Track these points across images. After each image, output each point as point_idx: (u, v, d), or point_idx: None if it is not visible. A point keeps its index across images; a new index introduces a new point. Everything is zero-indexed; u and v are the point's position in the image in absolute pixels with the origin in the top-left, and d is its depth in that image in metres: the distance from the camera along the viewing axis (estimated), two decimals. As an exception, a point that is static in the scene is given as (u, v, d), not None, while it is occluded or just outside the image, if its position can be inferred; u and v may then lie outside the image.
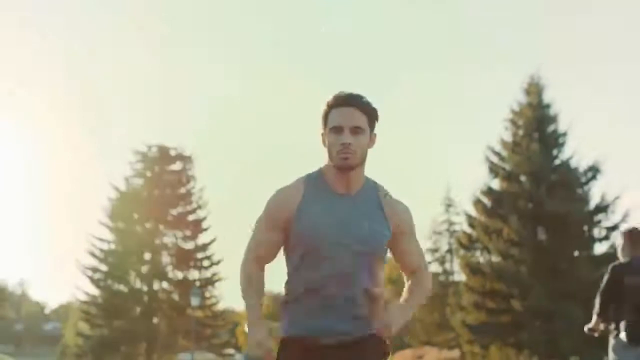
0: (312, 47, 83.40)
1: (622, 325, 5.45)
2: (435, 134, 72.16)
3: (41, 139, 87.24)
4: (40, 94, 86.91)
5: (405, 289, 2.80)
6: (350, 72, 70.95)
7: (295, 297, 2.68)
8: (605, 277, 5.58)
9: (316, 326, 2.62)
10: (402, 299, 2.76)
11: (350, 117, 2.61)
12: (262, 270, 2.77)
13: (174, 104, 77.62)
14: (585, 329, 5.76)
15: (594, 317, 5.60)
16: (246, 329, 2.66)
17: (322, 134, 2.70)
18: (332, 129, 2.63)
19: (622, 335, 5.45)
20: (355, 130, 2.61)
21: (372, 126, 2.68)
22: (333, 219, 2.61)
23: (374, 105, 2.70)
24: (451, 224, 37.18)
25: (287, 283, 2.72)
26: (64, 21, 76.08)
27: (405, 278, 2.83)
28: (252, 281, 2.72)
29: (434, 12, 78.35)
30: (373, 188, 2.72)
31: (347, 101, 2.64)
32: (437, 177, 71.78)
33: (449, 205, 37.26)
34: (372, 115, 2.67)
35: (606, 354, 5.79)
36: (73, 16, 79.43)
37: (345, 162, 2.60)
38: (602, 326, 5.61)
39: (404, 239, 2.74)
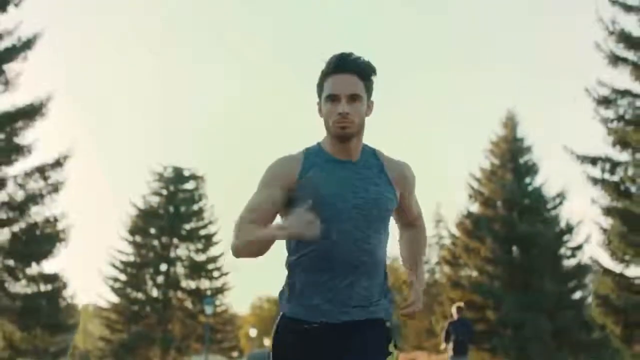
0: (312, 49, 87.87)
1: (451, 345, 11.91)
2: (429, 153, 77.43)
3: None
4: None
5: (404, 239, 2.96)
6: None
7: (302, 263, 2.65)
8: (445, 328, 12.19)
9: (321, 298, 2.60)
10: (413, 263, 2.89)
11: (347, 85, 2.59)
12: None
13: (176, 117, 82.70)
14: (442, 346, 11.66)
15: (443, 343, 11.88)
16: (273, 232, 2.43)
17: (318, 103, 2.68)
18: (327, 98, 2.61)
19: (451, 352, 11.94)
20: (352, 98, 2.59)
21: (369, 90, 2.67)
22: (338, 182, 2.62)
23: (371, 63, 2.66)
24: (440, 237, 42.72)
25: (292, 255, 2.69)
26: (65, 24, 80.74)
27: (399, 227, 2.96)
28: (250, 228, 2.55)
29: (434, 15, 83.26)
30: (372, 154, 2.74)
31: (343, 67, 2.61)
32: (429, 194, 76.37)
33: (439, 221, 42.88)
34: (369, 79, 2.65)
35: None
36: (73, 18, 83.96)
37: (343, 131, 2.59)
38: (447, 347, 11.97)
39: (407, 196, 2.80)
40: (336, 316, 2.61)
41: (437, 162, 78.12)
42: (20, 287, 21.93)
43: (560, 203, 32.51)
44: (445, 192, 77.70)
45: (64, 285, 22.46)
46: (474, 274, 32.95)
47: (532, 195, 32.55)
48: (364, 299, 2.63)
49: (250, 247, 2.53)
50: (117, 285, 37.70)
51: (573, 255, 32.32)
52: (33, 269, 21.86)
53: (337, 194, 2.60)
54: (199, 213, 39.27)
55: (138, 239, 38.29)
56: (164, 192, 39.11)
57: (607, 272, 20.84)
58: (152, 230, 38.40)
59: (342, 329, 2.60)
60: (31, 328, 21.40)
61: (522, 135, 33.22)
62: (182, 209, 38.87)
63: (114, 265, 37.67)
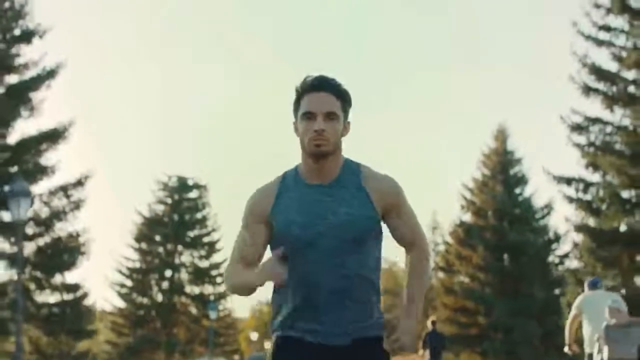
0: (311, 48, 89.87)
1: (428, 352, 14.63)
2: (427, 159, 79.47)
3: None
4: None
5: (406, 268, 2.81)
6: (351, 72, 76.89)
7: (284, 292, 2.71)
8: (423, 338, 14.84)
9: (308, 326, 2.67)
10: (406, 298, 2.81)
11: (324, 103, 2.63)
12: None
13: (176, 119, 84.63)
14: (420, 352, 14.32)
15: (421, 349, 14.21)
16: (253, 279, 2.59)
17: (294, 123, 2.72)
18: (304, 116, 2.64)
19: (428, 356, 14.70)
20: (329, 116, 2.63)
21: (346, 111, 2.71)
22: (305, 210, 2.65)
23: (347, 89, 2.71)
24: (436, 244, 45.29)
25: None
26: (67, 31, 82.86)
27: (404, 251, 2.82)
28: (237, 271, 2.72)
29: (434, 16, 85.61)
30: (354, 170, 2.72)
31: (320, 86, 2.65)
32: (426, 200, 77.59)
33: (434, 227, 45.56)
34: (345, 99, 2.69)
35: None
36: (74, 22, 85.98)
37: (319, 149, 2.62)
38: (425, 353, 14.51)
39: (392, 213, 2.72)
40: (326, 339, 2.67)
41: (435, 168, 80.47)
42: (45, 296, 24.89)
43: (548, 213, 35.18)
44: (442, 199, 79.97)
45: (85, 294, 25.39)
46: (466, 280, 35.58)
47: (521, 205, 35.16)
48: (348, 323, 2.66)
49: (240, 290, 2.73)
50: (124, 290, 40.08)
51: (561, 263, 34.91)
52: (57, 280, 24.72)
53: (303, 223, 2.64)
54: (203, 221, 41.80)
55: (144, 246, 40.78)
56: (169, 200, 41.55)
57: (579, 282, 23.40)
58: (157, 238, 40.92)
59: (331, 353, 2.66)
60: (56, 334, 24.22)
61: (512, 148, 35.89)
62: (186, 217, 41.37)
63: (120, 272, 40.03)
